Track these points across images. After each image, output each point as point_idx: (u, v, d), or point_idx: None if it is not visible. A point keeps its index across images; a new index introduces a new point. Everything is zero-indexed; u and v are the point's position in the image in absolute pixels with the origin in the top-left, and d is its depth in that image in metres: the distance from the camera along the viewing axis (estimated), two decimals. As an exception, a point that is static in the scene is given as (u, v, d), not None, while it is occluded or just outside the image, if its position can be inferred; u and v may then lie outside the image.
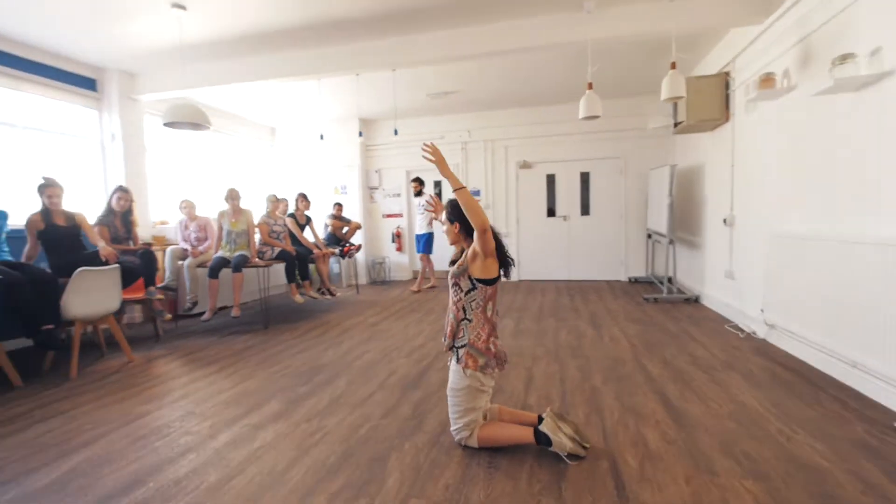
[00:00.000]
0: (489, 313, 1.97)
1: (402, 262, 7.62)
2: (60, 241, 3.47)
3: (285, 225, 5.07)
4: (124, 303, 4.03)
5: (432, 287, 6.60)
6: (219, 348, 3.76)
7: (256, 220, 4.79)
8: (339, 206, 6.43)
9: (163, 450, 2.05)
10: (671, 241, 5.23)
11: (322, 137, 5.67)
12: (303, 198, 5.43)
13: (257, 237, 4.81)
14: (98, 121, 4.81)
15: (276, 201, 4.98)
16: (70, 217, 3.55)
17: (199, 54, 4.39)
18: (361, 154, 7.36)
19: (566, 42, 3.87)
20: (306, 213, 5.52)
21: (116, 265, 3.40)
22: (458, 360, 1.94)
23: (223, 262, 4.33)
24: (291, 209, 5.52)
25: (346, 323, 4.58)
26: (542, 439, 1.89)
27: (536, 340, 3.71)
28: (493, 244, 1.90)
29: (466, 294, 1.95)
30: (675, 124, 4.85)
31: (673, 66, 3.51)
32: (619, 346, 3.47)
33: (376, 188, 7.58)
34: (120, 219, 3.97)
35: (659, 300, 5.21)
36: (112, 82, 4.75)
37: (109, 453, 2.03)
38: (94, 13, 3.54)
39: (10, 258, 3.20)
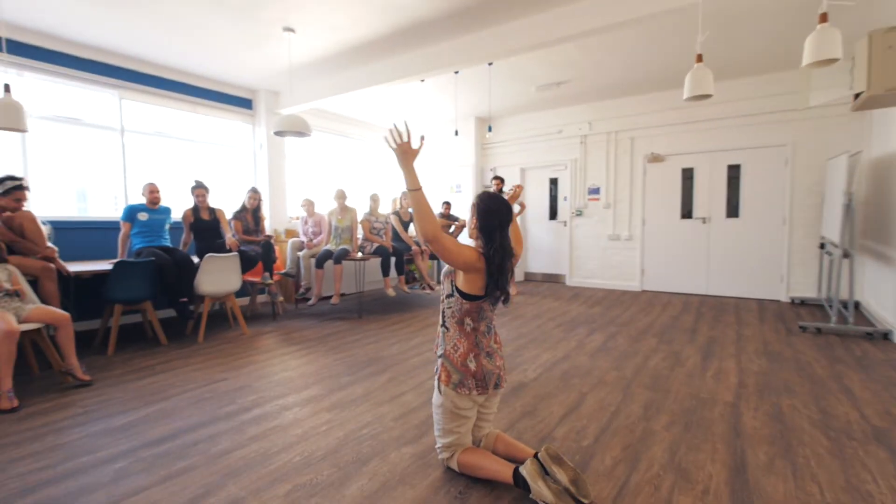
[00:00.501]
0: (467, 328, 1.76)
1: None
2: (204, 231, 4.32)
3: (387, 221, 5.40)
4: (252, 285, 4.83)
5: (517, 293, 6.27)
6: (311, 331, 4.22)
7: (361, 218, 5.22)
8: (447, 204, 6.57)
9: (206, 414, 2.38)
10: (846, 255, 3.92)
11: (457, 133, 5.76)
12: (406, 196, 5.70)
13: (361, 233, 5.24)
14: (252, 133, 5.84)
15: (376, 200, 5.33)
16: (212, 212, 4.39)
17: (322, 70, 4.95)
18: (477, 152, 7.38)
19: (674, 8, 3.20)
20: (410, 210, 5.77)
21: (236, 253, 4.09)
22: (435, 372, 1.79)
23: (328, 255, 4.84)
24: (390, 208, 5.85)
25: (432, 319, 4.66)
26: (521, 483, 1.61)
27: (616, 363, 3.20)
28: (459, 257, 1.67)
29: (446, 298, 1.78)
30: (855, 96, 3.60)
31: (823, 18, 2.60)
32: (719, 385, 2.75)
33: (490, 187, 7.50)
34: (251, 214, 4.76)
35: (823, 331, 3.97)
36: (261, 100, 5.71)
37: (173, 409, 2.45)
38: (239, 44, 4.29)
39: (168, 244, 4.12)
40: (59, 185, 4.27)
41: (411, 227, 5.77)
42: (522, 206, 6.12)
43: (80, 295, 3.98)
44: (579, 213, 6.74)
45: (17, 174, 3.19)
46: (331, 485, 1.73)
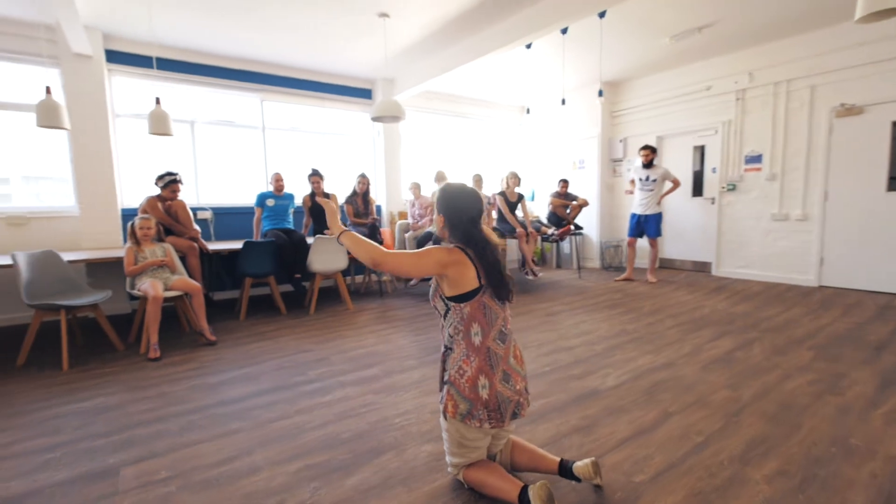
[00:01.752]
0: (476, 339, 1.49)
1: (647, 246, 6.47)
2: (319, 214, 4.79)
3: (490, 202, 5.21)
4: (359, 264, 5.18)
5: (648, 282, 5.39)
6: (406, 311, 4.35)
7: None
8: (564, 182, 6.04)
9: (278, 382, 2.63)
10: None
11: (563, 102, 5.31)
12: (513, 175, 5.39)
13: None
14: (370, 122, 6.22)
15: (479, 181, 5.17)
16: (326, 196, 4.83)
17: (426, 51, 4.95)
18: (603, 122, 6.57)
19: None
20: (517, 190, 5.46)
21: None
22: (440, 401, 1.57)
23: (428, 237, 4.90)
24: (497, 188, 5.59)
25: (529, 306, 4.37)
26: (526, 504, 1.36)
27: (733, 379, 2.52)
28: (426, 260, 1.48)
29: (445, 317, 1.56)
30: None
31: None
32: (890, 432, 1.93)
33: (620, 160, 6.63)
34: (361, 198, 5.09)
35: None
36: (379, 89, 6.01)
37: (258, 373, 2.78)
38: (343, 38, 4.56)
39: (290, 226, 4.69)
40: (220, 177, 5.20)
41: (519, 208, 5.47)
42: (676, 182, 5.20)
43: (228, 269, 4.82)
44: (732, 188, 5.50)
45: (173, 170, 3.95)
46: (337, 470, 1.73)
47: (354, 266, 5.47)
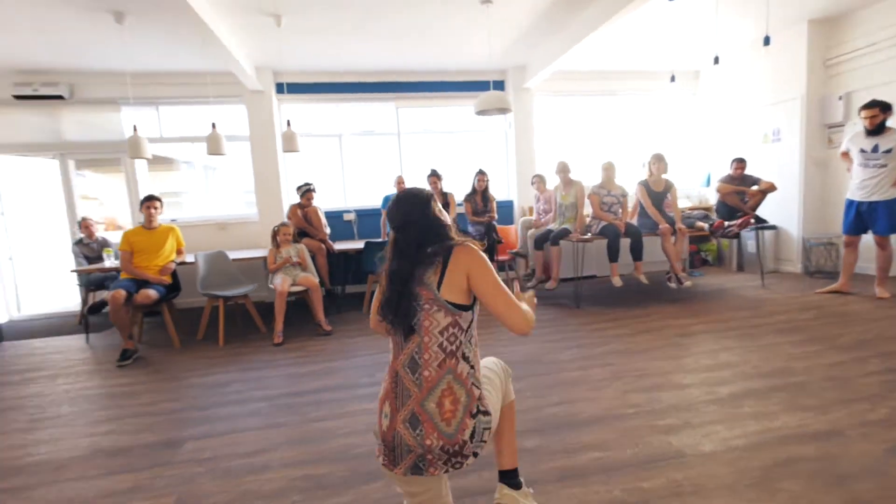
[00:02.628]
0: (390, 357, 1.27)
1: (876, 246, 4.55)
2: (438, 214, 4.86)
3: (623, 195, 4.42)
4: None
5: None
6: (513, 315, 4.06)
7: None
8: (738, 163, 4.69)
9: (345, 381, 2.77)
10: None
11: (716, 61, 4.18)
12: (657, 159, 4.42)
13: (589, 210, 4.53)
14: (503, 115, 6.00)
15: (608, 169, 4.42)
16: (444, 196, 4.86)
17: (546, 28, 4.48)
18: (810, 75, 4.83)
19: None
20: (664, 177, 4.47)
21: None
22: None
23: (547, 235, 4.47)
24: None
25: (663, 321, 3.57)
26: None
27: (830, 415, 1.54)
28: None
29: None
30: None
31: None
32: None
33: (839, 125, 4.79)
34: (480, 196, 4.96)
35: None
36: (510, 79, 5.75)
37: (336, 369, 2.99)
38: (459, 31, 4.49)
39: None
40: (363, 181, 5.79)
41: (668, 198, 4.49)
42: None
43: (358, 266, 5.34)
44: None
45: (309, 180, 4.56)
46: (326, 487, 1.70)
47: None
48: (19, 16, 3.53)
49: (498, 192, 6.04)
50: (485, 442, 1.19)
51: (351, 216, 5.55)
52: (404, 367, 1.20)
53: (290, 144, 4.07)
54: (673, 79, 4.66)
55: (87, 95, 4.89)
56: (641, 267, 4.27)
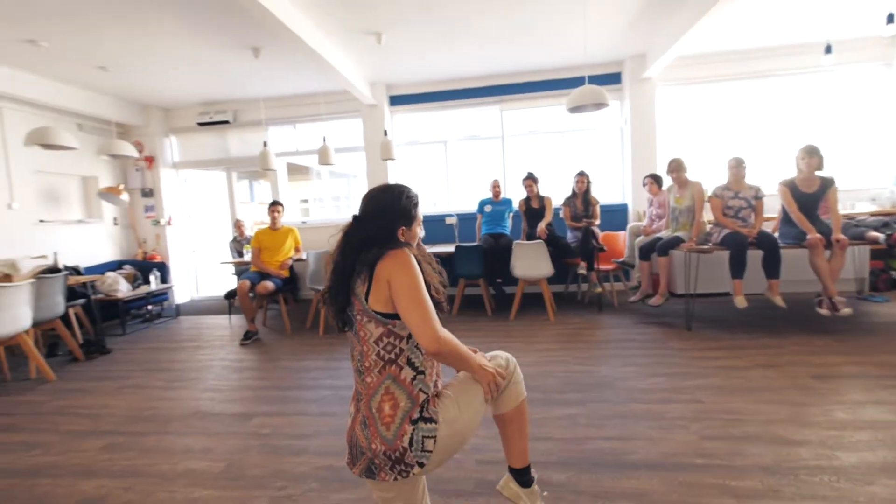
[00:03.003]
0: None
1: None
2: (534, 219, 4.65)
3: (757, 196, 3.63)
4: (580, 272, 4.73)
5: None
6: (604, 332, 3.68)
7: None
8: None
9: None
10: None
11: (891, 19, 3.14)
12: (807, 153, 3.48)
13: (708, 215, 3.83)
14: (619, 109, 5.47)
15: (735, 167, 3.66)
16: (541, 200, 4.64)
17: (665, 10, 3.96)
18: None
19: None
20: (819, 174, 3.53)
21: (540, 241, 4.18)
22: None
23: (655, 243, 3.93)
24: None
25: (793, 357, 2.84)
26: None
27: None
28: None
29: None
30: None
31: None
32: None
33: None
34: (580, 199, 4.60)
35: None
36: (627, 70, 5.21)
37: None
38: (558, 29, 4.25)
39: (505, 231, 4.78)
40: (466, 186, 5.88)
41: (823, 201, 3.55)
42: None
43: (450, 270, 5.41)
44: None
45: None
46: (342, 480, 1.78)
47: (571, 274, 4.98)
48: (198, 59, 4.43)
49: (611, 195, 5.55)
50: (429, 452, 1.13)
51: (453, 220, 5.66)
52: (356, 371, 1.22)
53: (386, 153, 4.35)
54: (829, 49, 3.68)
55: (244, 119, 5.94)
56: (777, 286, 3.46)
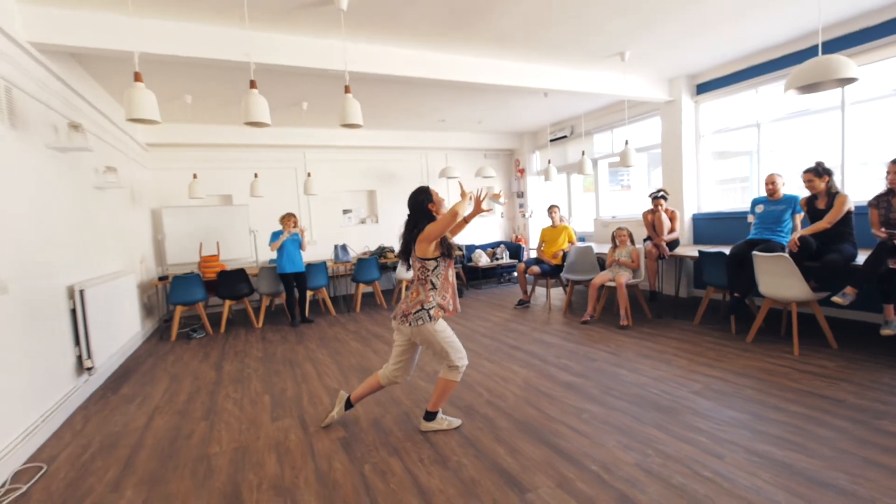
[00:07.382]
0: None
1: None
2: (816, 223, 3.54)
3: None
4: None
5: None
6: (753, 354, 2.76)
7: None
8: None
9: (602, 380, 3.68)
10: None
11: None
12: None
13: None
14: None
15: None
16: (831, 198, 3.45)
17: None
18: None
19: None
20: None
21: (784, 254, 3.32)
22: (426, 320, 2.39)
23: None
24: None
25: None
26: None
27: None
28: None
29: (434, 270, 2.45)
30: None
31: None
32: None
33: None
34: (898, 197, 3.07)
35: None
36: None
37: (587, 366, 3.86)
38: None
39: (770, 237, 3.80)
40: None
41: None
42: None
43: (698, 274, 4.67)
44: None
45: (662, 187, 4.70)
46: (365, 443, 3.26)
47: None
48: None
49: None
50: (418, 322, 2.38)
51: (752, 218, 4.84)
52: (411, 281, 2.60)
53: (625, 160, 4.63)
54: None
55: (578, 131, 7.32)
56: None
